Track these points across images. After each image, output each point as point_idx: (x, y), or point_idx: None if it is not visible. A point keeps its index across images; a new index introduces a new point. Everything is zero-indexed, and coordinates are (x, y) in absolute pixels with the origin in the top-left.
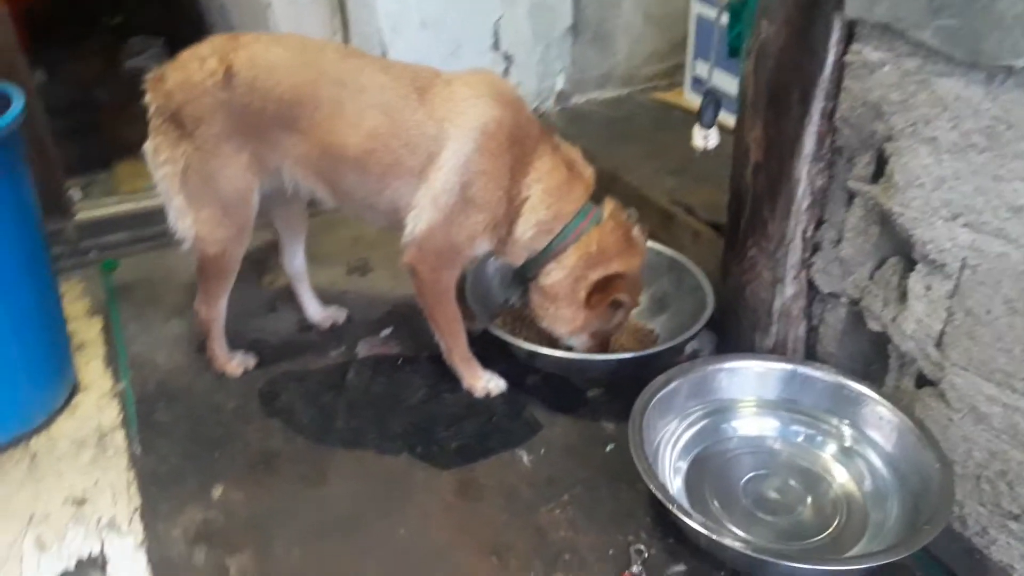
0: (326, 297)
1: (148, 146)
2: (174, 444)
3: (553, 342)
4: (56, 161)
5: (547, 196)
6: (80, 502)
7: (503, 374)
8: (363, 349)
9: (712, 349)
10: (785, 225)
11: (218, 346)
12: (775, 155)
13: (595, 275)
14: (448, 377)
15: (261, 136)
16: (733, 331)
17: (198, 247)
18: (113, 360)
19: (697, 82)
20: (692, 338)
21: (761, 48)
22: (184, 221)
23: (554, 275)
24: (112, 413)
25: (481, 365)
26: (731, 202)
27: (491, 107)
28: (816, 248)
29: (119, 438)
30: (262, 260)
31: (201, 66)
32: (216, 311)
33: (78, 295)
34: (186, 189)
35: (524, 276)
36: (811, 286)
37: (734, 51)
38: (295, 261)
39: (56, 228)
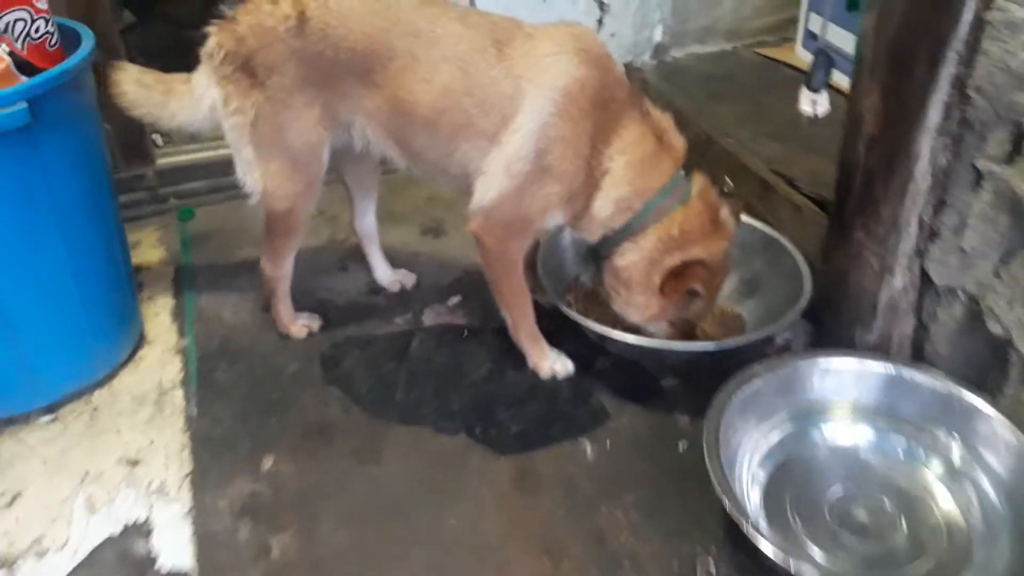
0: (397, 259)
1: (216, 94)
2: (231, 406)
3: (628, 324)
4: None
5: (630, 170)
6: (134, 463)
7: (571, 355)
8: (429, 317)
9: (806, 341)
10: (899, 207)
11: (283, 306)
12: (893, 126)
13: (672, 261)
14: (513, 353)
15: (333, 88)
16: (831, 323)
17: (266, 202)
18: (181, 313)
19: (810, 37)
20: (783, 329)
21: (885, 2)
22: (253, 174)
23: (629, 257)
24: (174, 369)
25: (548, 344)
26: (839, 178)
27: (575, 65)
28: (933, 235)
29: (178, 397)
30: (336, 216)
31: (274, 10)
32: (282, 269)
33: (154, 243)
34: (256, 141)
35: (599, 253)
36: (924, 278)
37: (853, 4)
38: (365, 221)
39: (137, 174)
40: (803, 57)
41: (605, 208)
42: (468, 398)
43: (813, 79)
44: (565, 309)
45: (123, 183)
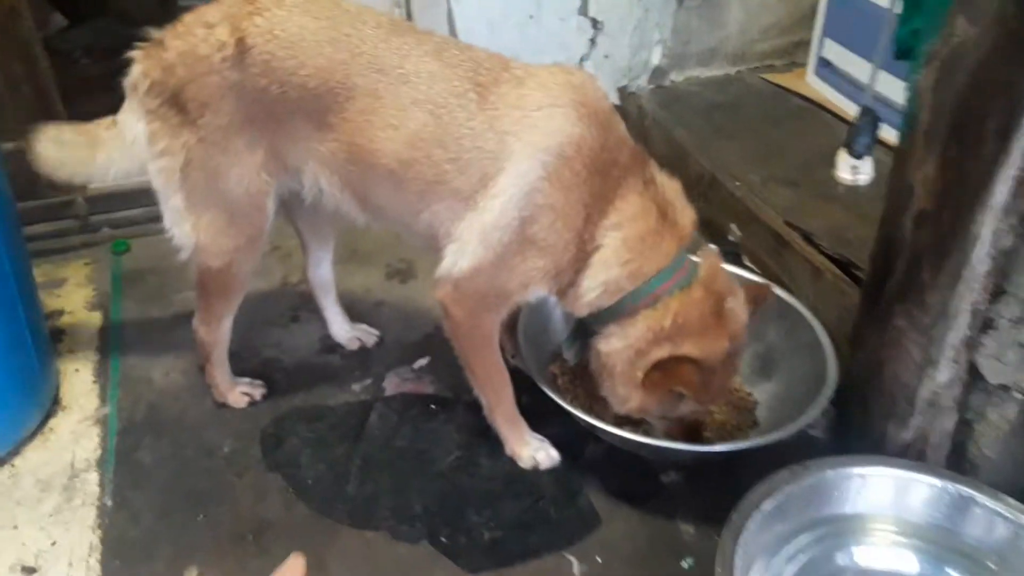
0: (358, 308)
1: (142, 130)
2: (152, 497)
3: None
4: (63, 119)
5: (625, 249)
6: (29, 572)
7: (557, 440)
8: (391, 384)
9: (826, 428)
10: (951, 293)
11: (219, 373)
12: (950, 203)
13: (658, 354)
14: (488, 435)
15: (279, 129)
16: (858, 413)
17: (199, 258)
18: (104, 371)
19: (824, 64)
20: (802, 427)
21: (952, 56)
22: (182, 226)
23: (613, 343)
24: (90, 445)
25: (529, 428)
26: (877, 253)
27: (571, 122)
28: (988, 326)
29: (91, 481)
30: (290, 253)
31: (208, 36)
32: (218, 333)
33: (81, 281)
34: (186, 188)
35: (585, 329)
36: (973, 372)
37: (904, 53)
38: (320, 271)
39: (65, 200)
40: (814, 85)
41: (593, 289)
42: (433, 494)
43: (856, 143)
44: (548, 390)
45: (49, 210)
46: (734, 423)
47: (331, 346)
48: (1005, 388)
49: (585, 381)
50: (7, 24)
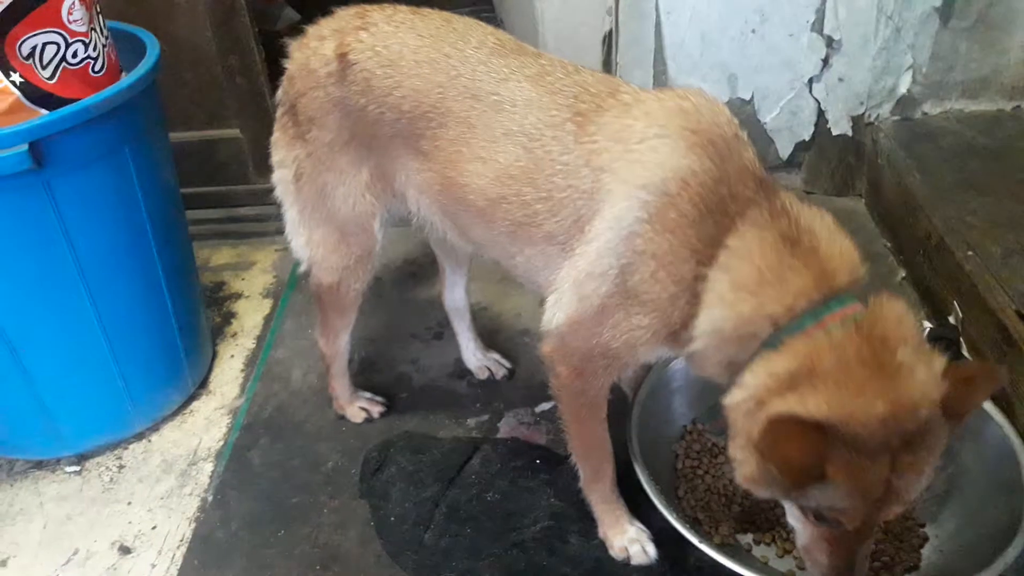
0: (503, 333)
1: (273, 139)
2: (247, 501)
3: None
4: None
5: (734, 288)
6: (126, 551)
7: (660, 534)
8: (506, 426)
9: None
10: None
11: (339, 385)
12: None
13: (776, 406)
14: (584, 508)
15: (383, 151)
16: None
17: (312, 272)
18: (253, 362)
19: None
20: None
21: None
22: (297, 239)
23: (735, 394)
24: (217, 435)
25: (629, 513)
26: None
27: (679, 153)
28: None
29: (205, 472)
30: None
31: (318, 49)
32: (336, 347)
33: (267, 267)
34: (299, 202)
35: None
36: None
37: None
38: (453, 294)
39: (269, 186)
40: None
41: (700, 339)
42: (507, 565)
43: None
44: (645, 483)
45: (254, 194)
46: (886, 559)
47: (462, 371)
48: None
49: (711, 470)
50: (225, 19)
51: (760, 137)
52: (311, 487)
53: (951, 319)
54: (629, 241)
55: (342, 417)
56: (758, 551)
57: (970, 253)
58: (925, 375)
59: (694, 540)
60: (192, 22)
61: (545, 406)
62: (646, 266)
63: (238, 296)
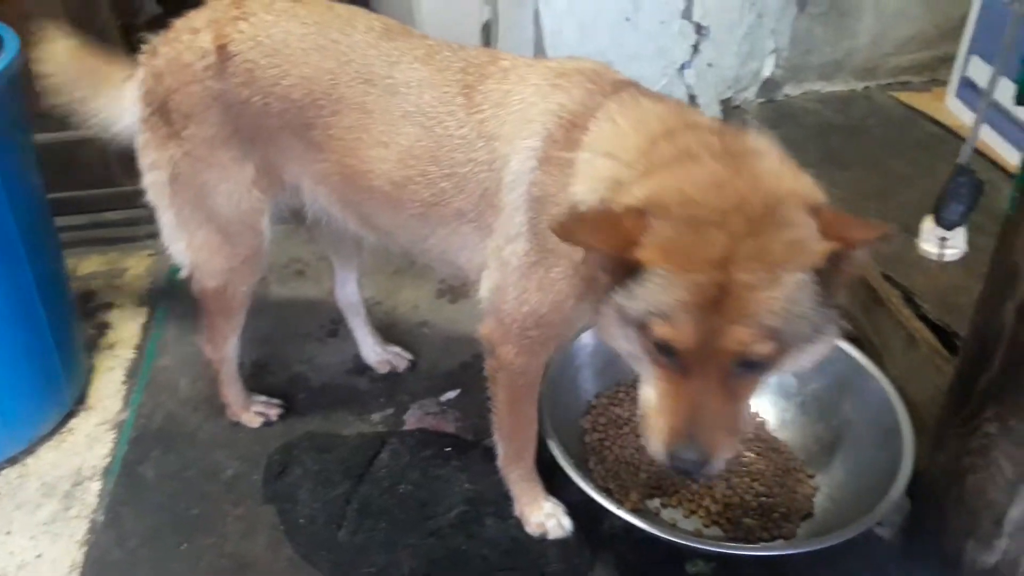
0: (400, 326)
1: (137, 133)
2: (143, 518)
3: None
4: None
5: (612, 139)
6: None
7: (573, 507)
8: (413, 417)
9: (897, 529)
10: None
11: (231, 391)
12: None
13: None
14: (500, 490)
15: (270, 143)
16: (932, 522)
17: (195, 277)
18: (135, 373)
19: (968, 87)
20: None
21: None
22: (177, 244)
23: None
24: (101, 451)
25: (544, 489)
26: (971, 340)
27: (549, 96)
28: None
29: (92, 492)
30: None
31: (192, 42)
32: (224, 351)
33: (141, 273)
34: (176, 204)
35: None
36: None
37: None
38: (345, 290)
39: (138, 188)
40: (954, 111)
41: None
42: (425, 555)
43: (946, 209)
44: (560, 458)
45: (121, 197)
46: (783, 510)
47: (362, 367)
48: None
49: (618, 440)
50: (84, 14)
51: None
52: (212, 496)
53: None
54: (528, 192)
55: (238, 423)
56: (666, 514)
57: None
58: (774, 165)
59: (609, 506)
60: (47, 12)
61: (451, 395)
62: (544, 209)
63: (111, 306)
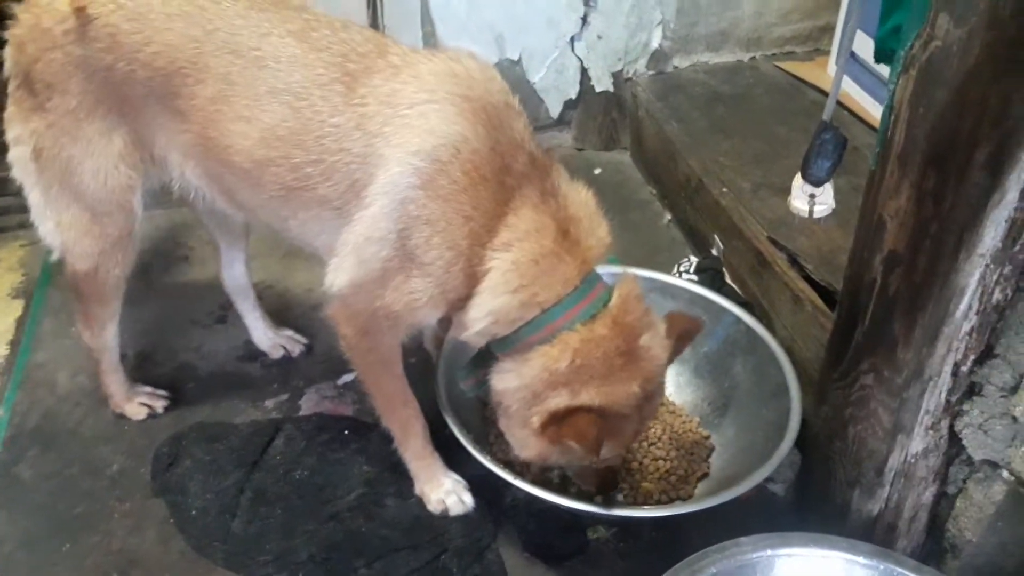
0: (295, 309)
1: (6, 115)
2: (21, 520)
3: None
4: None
5: (516, 274)
6: None
7: (477, 481)
8: (309, 402)
9: (790, 482)
10: (927, 352)
11: (113, 381)
12: (928, 245)
13: (555, 402)
14: (400, 470)
15: (136, 115)
16: (820, 475)
17: (66, 259)
18: (8, 370)
19: (850, 58)
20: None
21: (931, 63)
22: (45, 224)
23: (507, 379)
24: None
25: (444, 466)
26: (845, 296)
27: (449, 119)
28: (973, 391)
29: None
30: None
31: (50, 5)
32: (103, 339)
33: (13, 265)
34: (43, 181)
35: (487, 356)
36: (954, 440)
37: (885, 55)
38: (232, 271)
39: (4, 176)
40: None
41: (480, 320)
42: (324, 539)
43: (812, 166)
44: (458, 433)
45: None
46: (681, 472)
47: (254, 353)
48: (992, 464)
49: None
50: None
51: (531, 97)
52: (96, 493)
53: (714, 251)
54: (403, 207)
55: (122, 416)
56: (567, 482)
57: (725, 190)
58: (659, 349)
59: (509, 478)
60: None
61: (348, 377)
62: (420, 232)
63: None
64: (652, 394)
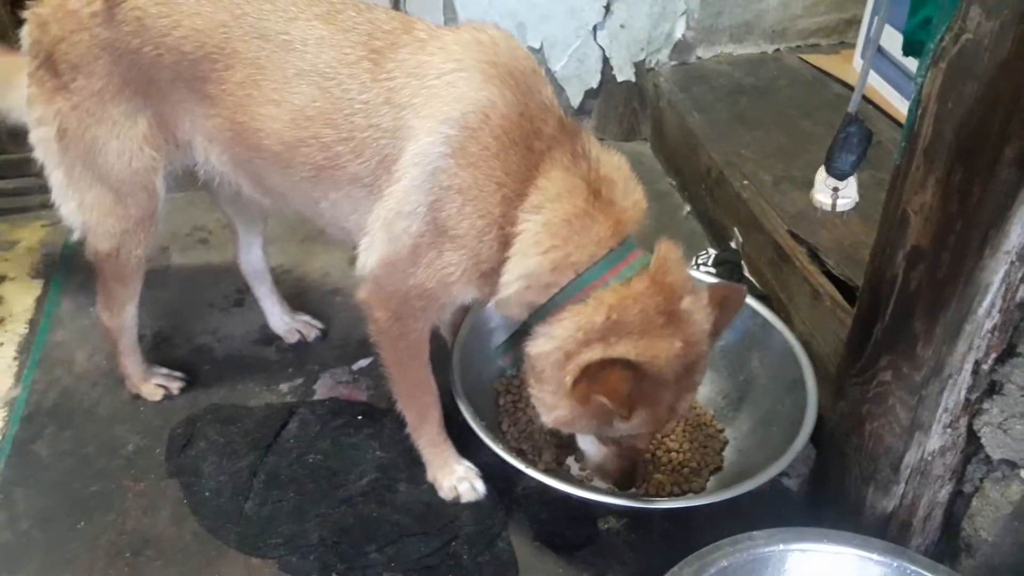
0: (312, 294)
1: (27, 95)
2: (37, 498)
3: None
4: None
5: (546, 235)
6: None
7: (487, 469)
8: (324, 386)
9: (804, 477)
10: (948, 349)
11: (130, 362)
12: (952, 240)
13: (587, 356)
14: (412, 456)
15: (163, 97)
16: (835, 471)
17: (88, 239)
18: (27, 348)
19: (876, 51)
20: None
21: (961, 57)
22: (68, 204)
23: (540, 344)
24: None
25: (456, 453)
26: (866, 291)
27: (476, 86)
28: (993, 390)
29: None
30: None
31: None
32: (121, 319)
33: (34, 245)
34: (66, 162)
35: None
36: (971, 438)
37: (913, 48)
38: (250, 256)
39: (27, 156)
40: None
41: (512, 283)
42: (336, 523)
43: (838, 160)
44: (471, 420)
45: (10, 165)
46: (694, 464)
47: (269, 337)
48: (1011, 464)
49: (531, 402)
50: None
51: (551, 86)
52: (111, 472)
53: (733, 244)
54: (434, 177)
55: (138, 397)
56: (579, 474)
57: (746, 183)
58: (701, 315)
59: (521, 467)
60: None
61: (363, 363)
62: (452, 201)
63: (2, 278)
64: (693, 365)
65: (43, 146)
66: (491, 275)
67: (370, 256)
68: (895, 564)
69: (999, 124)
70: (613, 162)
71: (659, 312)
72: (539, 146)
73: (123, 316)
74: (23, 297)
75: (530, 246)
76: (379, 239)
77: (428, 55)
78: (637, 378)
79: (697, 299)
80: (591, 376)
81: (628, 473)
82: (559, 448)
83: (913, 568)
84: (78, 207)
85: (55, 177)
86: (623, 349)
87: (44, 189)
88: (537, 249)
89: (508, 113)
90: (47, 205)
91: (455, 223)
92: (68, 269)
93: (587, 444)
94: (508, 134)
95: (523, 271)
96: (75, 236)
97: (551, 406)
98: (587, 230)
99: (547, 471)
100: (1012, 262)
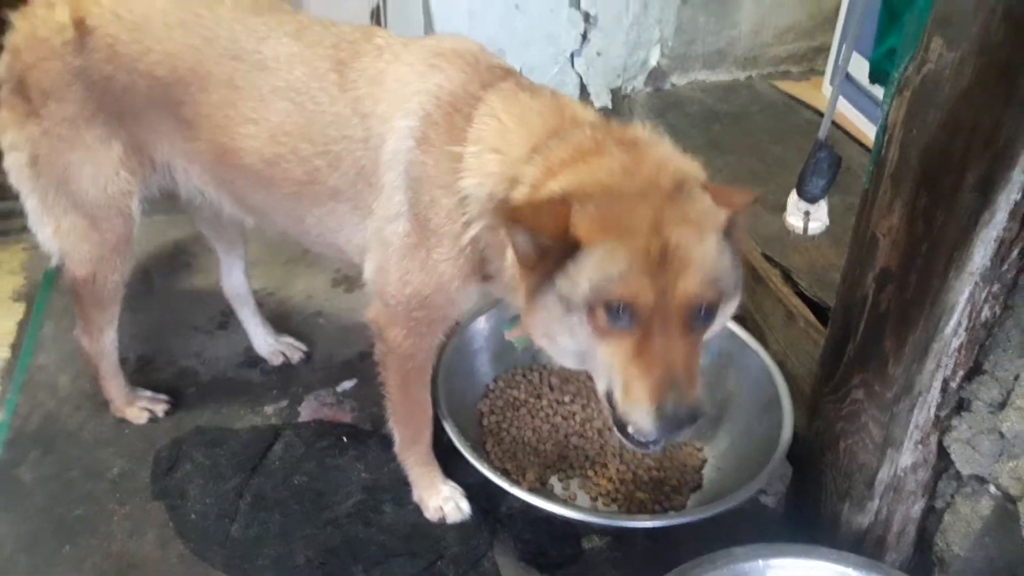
0: (295, 317)
1: None
2: (21, 522)
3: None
4: None
5: (492, 134)
6: None
7: (471, 489)
8: (308, 408)
9: (781, 495)
10: (917, 368)
11: (113, 386)
12: (919, 263)
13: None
14: (398, 477)
15: (138, 121)
16: (812, 488)
17: (65, 264)
18: (10, 372)
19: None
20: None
21: (924, 86)
22: (43, 230)
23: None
24: None
25: (442, 474)
26: (837, 312)
27: (426, 75)
28: (962, 407)
29: None
30: None
31: (48, 16)
32: (102, 344)
33: (15, 268)
34: (40, 188)
35: None
36: (942, 454)
37: (879, 76)
38: (231, 279)
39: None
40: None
41: (479, 215)
42: (322, 544)
43: (808, 184)
44: (456, 440)
45: None
46: (673, 483)
47: (254, 359)
48: (980, 479)
49: (515, 422)
50: None
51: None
52: (96, 496)
53: None
54: (407, 172)
55: (123, 420)
56: (563, 494)
57: None
58: (669, 151)
59: (506, 486)
60: None
61: (347, 384)
62: (424, 190)
63: None
64: (670, 191)
65: (16, 172)
66: (480, 267)
67: (369, 266)
68: None
69: (961, 151)
70: (555, 94)
71: (598, 143)
72: (479, 93)
73: (102, 341)
74: (5, 321)
75: (482, 143)
76: (374, 246)
77: (385, 62)
78: (574, 202)
79: (646, 129)
80: (522, 209)
81: (664, 374)
82: (543, 467)
83: None
84: (54, 233)
85: (30, 203)
86: (562, 181)
87: (24, 213)
88: (487, 145)
89: (455, 89)
90: (28, 228)
91: (432, 212)
92: (50, 292)
93: (598, 362)
94: (454, 105)
95: (475, 193)
96: (53, 262)
97: (511, 287)
98: (527, 123)
99: (531, 490)
100: (976, 283)
